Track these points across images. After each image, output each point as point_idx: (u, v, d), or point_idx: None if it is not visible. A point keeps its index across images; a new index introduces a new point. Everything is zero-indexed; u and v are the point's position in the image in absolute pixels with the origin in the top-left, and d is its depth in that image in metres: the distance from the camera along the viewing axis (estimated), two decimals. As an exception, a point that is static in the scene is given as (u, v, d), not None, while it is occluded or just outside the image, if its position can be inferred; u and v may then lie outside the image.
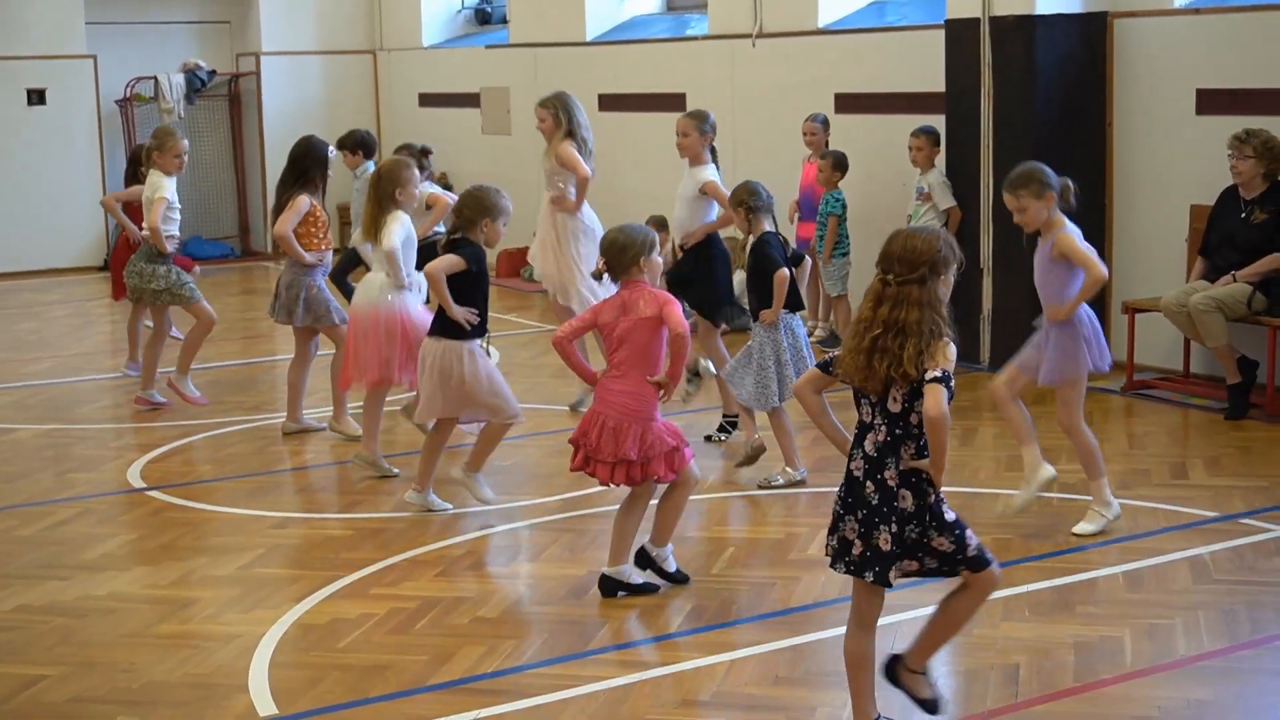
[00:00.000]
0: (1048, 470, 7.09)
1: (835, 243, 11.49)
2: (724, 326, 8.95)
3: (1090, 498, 7.14)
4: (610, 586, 6.41)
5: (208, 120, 18.05)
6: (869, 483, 4.72)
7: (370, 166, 11.02)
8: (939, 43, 10.97)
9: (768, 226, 8.01)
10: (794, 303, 7.94)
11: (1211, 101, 9.91)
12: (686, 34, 14.46)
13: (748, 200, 7.98)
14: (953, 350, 4.65)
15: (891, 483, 4.69)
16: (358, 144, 11.32)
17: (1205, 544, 6.87)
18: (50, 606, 6.47)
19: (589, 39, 15.23)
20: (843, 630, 5.90)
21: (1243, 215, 9.35)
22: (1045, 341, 7.06)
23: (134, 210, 10.65)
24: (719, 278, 8.88)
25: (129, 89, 17.39)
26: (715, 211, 8.97)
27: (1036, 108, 10.35)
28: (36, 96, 16.88)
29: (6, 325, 13.90)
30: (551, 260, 9.65)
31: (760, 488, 7.93)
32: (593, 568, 6.77)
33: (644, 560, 6.50)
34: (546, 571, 6.79)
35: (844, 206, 11.52)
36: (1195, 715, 5.14)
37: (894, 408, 4.70)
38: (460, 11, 18.10)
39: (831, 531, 4.85)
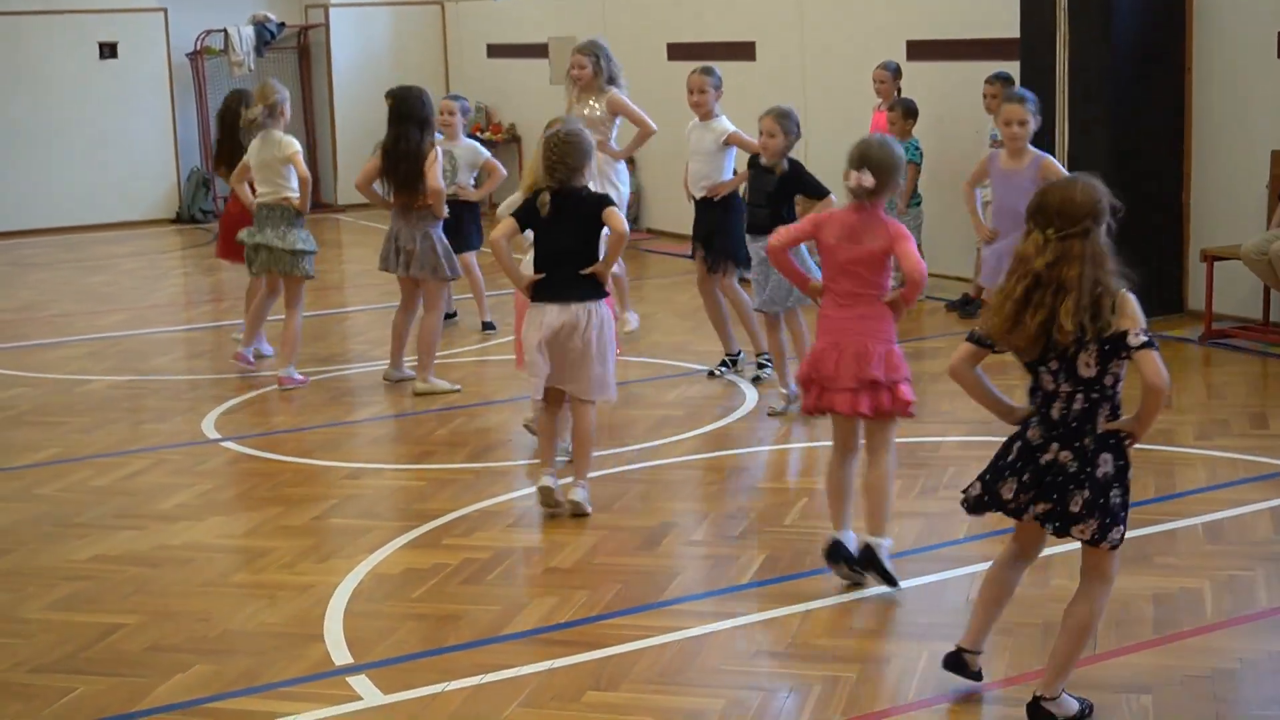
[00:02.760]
0: None
1: (910, 192, 11.39)
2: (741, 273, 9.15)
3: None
4: (870, 562, 5.82)
5: (277, 72, 18.03)
6: (1064, 451, 4.55)
7: None
8: (1013, -13, 10.80)
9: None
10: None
11: (1293, 45, 9.72)
12: (756, -19, 14.32)
13: (798, 127, 8.39)
14: (1136, 303, 4.45)
15: (1090, 447, 4.53)
16: None
17: (1287, 495, 6.77)
18: (126, 556, 6.52)
19: (658, -13, 15.13)
20: (918, 581, 5.89)
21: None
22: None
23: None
24: (740, 230, 8.92)
25: (199, 42, 17.45)
26: (733, 162, 9.19)
27: (1113, 53, 10.17)
28: (108, 50, 16.98)
29: (80, 278, 14.02)
30: None
31: (770, 415, 8.30)
32: (665, 518, 6.76)
33: (867, 557, 5.84)
34: (619, 522, 6.78)
35: (921, 155, 11.39)
36: (1277, 668, 5.07)
37: (1086, 372, 4.49)
38: (528, -39, 18.02)
39: (981, 495, 4.72)
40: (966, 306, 10.84)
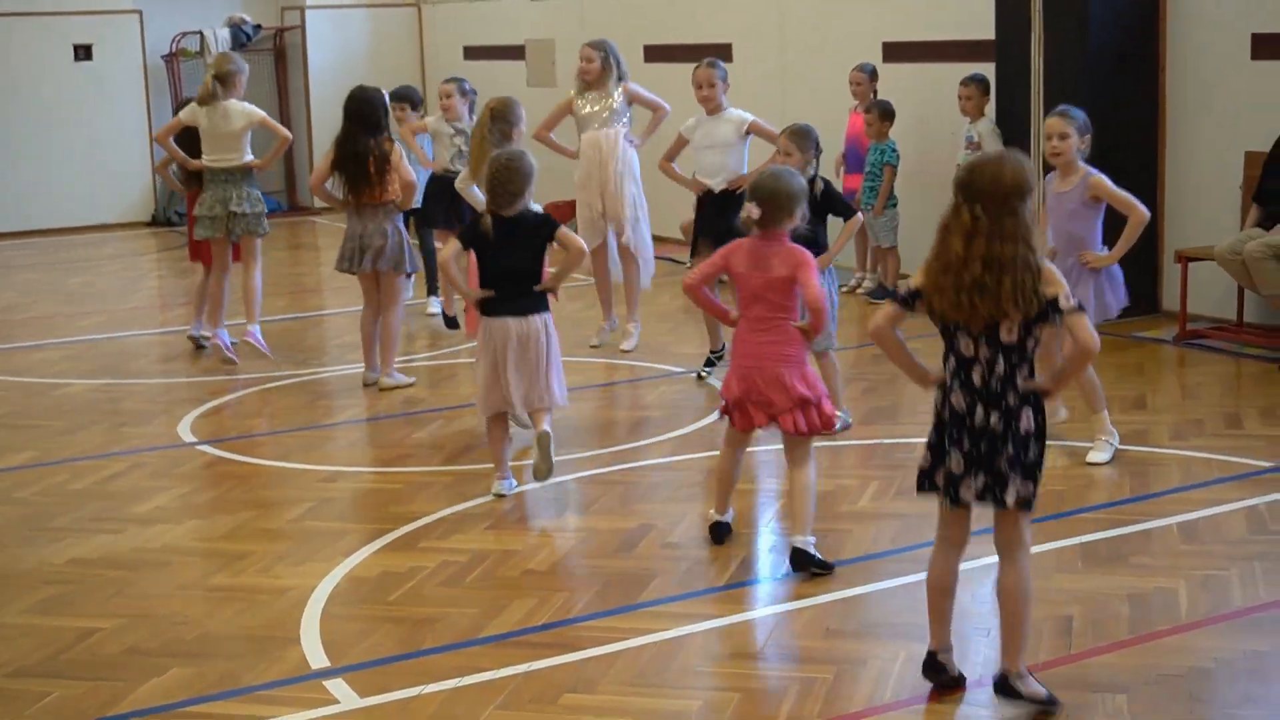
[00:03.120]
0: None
1: (886, 194, 11.42)
2: None
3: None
4: (803, 560, 6.04)
5: (253, 74, 17.67)
6: (991, 413, 4.67)
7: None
8: (989, -11, 10.84)
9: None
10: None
11: (1267, 46, 9.75)
12: (733, -17, 14.35)
13: (818, 144, 7.78)
14: (1055, 269, 4.60)
15: (1014, 405, 4.65)
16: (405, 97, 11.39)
17: (1260, 494, 6.80)
18: (104, 559, 6.51)
19: (634, -11, 15.14)
20: (895, 582, 5.91)
21: (1296, 162, 9.23)
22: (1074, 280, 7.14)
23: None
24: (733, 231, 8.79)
25: (175, 44, 17.42)
26: (748, 155, 9.20)
27: (1088, 54, 10.22)
28: (83, 52, 16.94)
29: (58, 280, 13.98)
30: (613, 197, 9.82)
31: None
32: (643, 520, 6.77)
33: (800, 560, 6.06)
34: (596, 524, 6.79)
35: (898, 157, 11.43)
36: (1252, 666, 5.10)
37: (1008, 338, 4.61)
38: (505, -37, 18.03)
39: (931, 469, 4.83)
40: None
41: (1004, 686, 4.80)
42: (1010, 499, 4.70)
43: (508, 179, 6.93)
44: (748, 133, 9.18)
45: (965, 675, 5.01)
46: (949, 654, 4.99)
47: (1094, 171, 7.35)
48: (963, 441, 4.74)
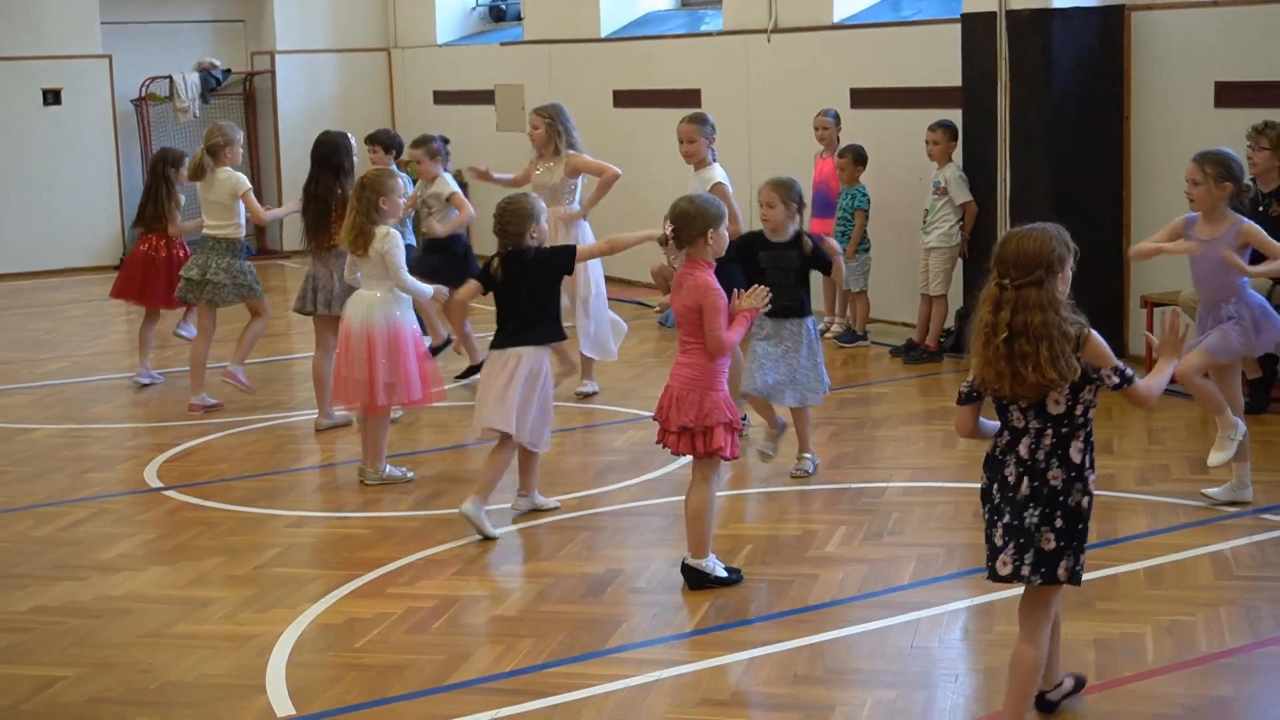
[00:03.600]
0: (1240, 425, 7.31)
1: (858, 238, 11.46)
2: None
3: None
4: (697, 579, 6.40)
5: (222, 119, 17.86)
6: (1034, 485, 4.70)
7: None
8: (955, 37, 10.92)
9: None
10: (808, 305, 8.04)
11: (1230, 94, 9.84)
12: (701, 30, 14.43)
13: (801, 197, 7.92)
14: (1101, 341, 4.67)
15: (1056, 483, 4.70)
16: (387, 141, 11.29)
17: (1227, 539, 6.82)
18: (66, 607, 6.46)
19: (603, 35, 15.20)
20: (862, 628, 5.91)
21: (1260, 209, 9.28)
22: (1235, 320, 7.30)
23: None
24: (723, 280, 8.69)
25: (144, 88, 17.39)
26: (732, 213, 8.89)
27: (1053, 102, 10.30)
28: (52, 96, 16.89)
29: (22, 324, 13.91)
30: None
31: (793, 477, 7.98)
32: (610, 565, 6.75)
33: (693, 578, 6.42)
34: (563, 570, 6.77)
35: (869, 201, 11.48)
36: (1218, 712, 5.10)
37: (1055, 410, 4.68)
38: (474, 9, 18.08)
39: (989, 532, 4.82)
40: (910, 352, 10.90)
41: (1043, 703, 5.06)
42: (1060, 574, 4.71)
43: (509, 220, 7.16)
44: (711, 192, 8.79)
45: (1082, 676, 5.22)
46: (1058, 688, 5.10)
47: (1244, 220, 7.33)
48: (1004, 513, 4.75)
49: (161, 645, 5.99)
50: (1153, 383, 4.82)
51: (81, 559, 7.11)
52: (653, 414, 6.62)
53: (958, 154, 10.91)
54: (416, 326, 8.24)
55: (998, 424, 4.82)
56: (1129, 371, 4.69)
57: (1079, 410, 4.68)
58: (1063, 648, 5.58)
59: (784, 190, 7.84)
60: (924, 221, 10.98)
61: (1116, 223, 10.45)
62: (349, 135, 9.38)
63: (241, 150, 10.29)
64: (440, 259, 10.04)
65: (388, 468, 8.18)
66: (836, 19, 12.63)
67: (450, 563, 6.90)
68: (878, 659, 5.62)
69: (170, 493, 8.19)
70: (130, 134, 17.42)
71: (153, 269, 10.91)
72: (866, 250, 11.52)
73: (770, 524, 7.45)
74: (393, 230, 7.96)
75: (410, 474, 8.22)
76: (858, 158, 11.46)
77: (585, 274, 9.53)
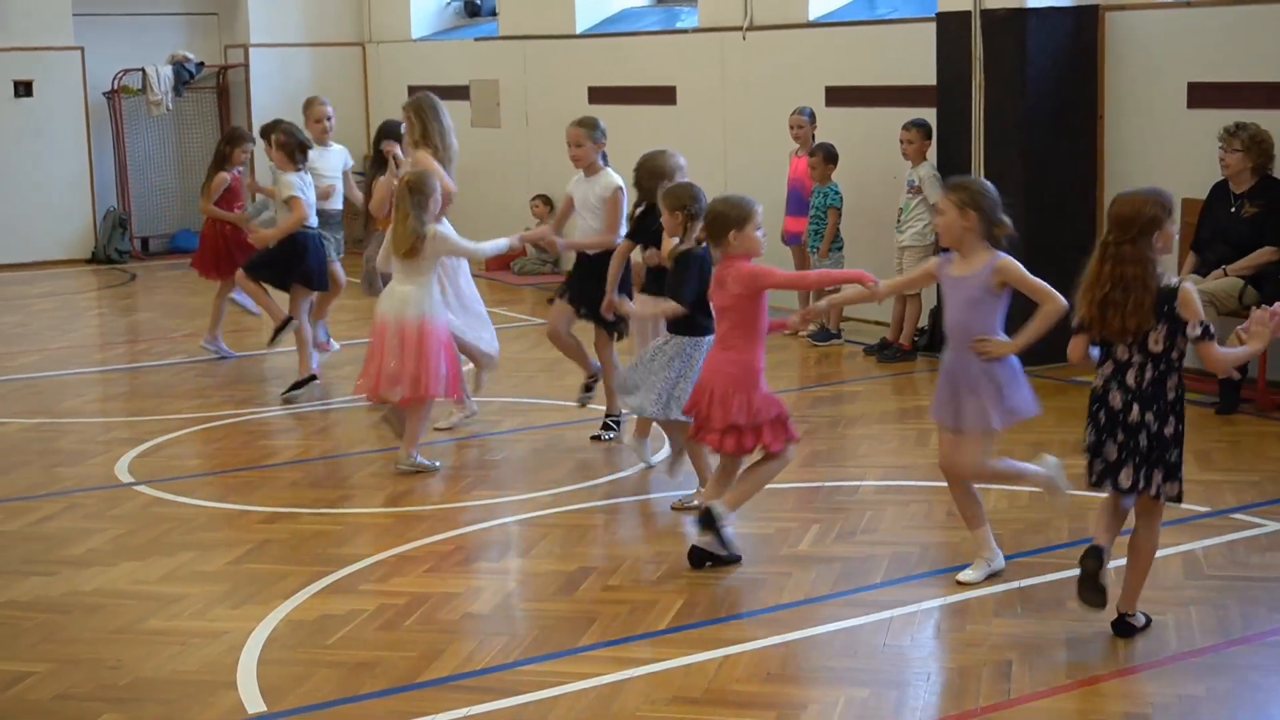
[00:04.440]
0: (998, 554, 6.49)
1: (831, 237, 11.46)
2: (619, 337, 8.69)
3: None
4: (699, 558, 6.58)
5: (196, 113, 17.99)
6: (1146, 413, 5.49)
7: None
8: (930, 36, 10.94)
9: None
10: (709, 327, 7.18)
11: (1203, 95, 9.88)
12: (676, 27, 14.43)
13: (690, 205, 7.21)
14: (1195, 293, 5.43)
15: (1154, 412, 5.49)
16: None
17: (1197, 539, 6.85)
18: (36, 602, 6.42)
19: (578, 31, 15.19)
20: (835, 625, 5.92)
21: (1233, 209, 9.34)
22: (967, 383, 6.15)
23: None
24: (621, 289, 8.30)
25: (116, 81, 17.32)
26: (624, 218, 8.49)
27: (1027, 101, 10.33)
28: (23, 88, 16.80)
29: (-7, 318, 13.84)
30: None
31: (675, 509, 7.50)
32: (583, 563, 6.74)
33: (708, 520, 6.52)
34: (536, 567, 6.76)
35: (842, 199, 11.49)
36: (1188, 711, 5.12)
37: (1155, 348, 5.47)
38: (449, 4, 18.04)
39: (1091, 467, 5.65)
40: (884, 351, 10.92)
41: (1122, 626, 5.69)
42: (1171, 494, 5.61)
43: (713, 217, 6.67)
44: (614, 198, 8.47)
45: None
46: (1135, 618, 5.75)
47: (1002, 255, 6.13)
48: (1117, 434, 5.53)
49: (132, 641, 5.96)
50: (1230, 352, 5.49)
51: (51, 554, 7.07)
52: (685, 409, 6.88)
53: (932, 153, 10.93)
54: (446, 322, 8.35)
55: (1099, 351, 5.59)
56: (1211, 330, 5.39)
57: (1175, 354, 5.45)
58: (1033, 649, 5.62)
59: (590, 129, 8.40)
60: (898, 220, 11.00)
61: (1090, 222, 10.48)
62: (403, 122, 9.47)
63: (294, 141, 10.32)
64: (279, 248, 10.18)
65: (418, 457, 8.27)
66: (812, 17, 12.64)
67: (423, 560, 6.88)
68: (850, 657, 5.63)
69: (141, 488, 8.15)
70: (102, 127, 17.34)
71: (222, 241, 11.41)
72: (840, 249, 11.52)
73: (743, 522, 7.43)
74: (439, 228, 8.13)
75: (438, 464, 8.32)
76: (828, 156, 11.47)
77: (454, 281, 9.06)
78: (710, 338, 7.09)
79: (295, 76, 18.05)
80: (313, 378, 10.10)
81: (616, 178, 8.58)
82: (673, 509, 7.50)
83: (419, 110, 9.23)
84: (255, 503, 7.85)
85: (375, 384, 8.17)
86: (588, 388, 8.97)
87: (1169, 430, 5.51)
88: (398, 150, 9.69)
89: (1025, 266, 6.12)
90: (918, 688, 5.36)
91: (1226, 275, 9.20)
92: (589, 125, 8.67)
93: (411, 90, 17.48)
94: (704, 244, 6.97)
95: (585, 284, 8.55)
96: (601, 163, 8.66)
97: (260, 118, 17.64)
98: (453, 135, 9.26)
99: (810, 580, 6.46)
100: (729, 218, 6.52)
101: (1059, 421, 8.78)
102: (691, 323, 7.26)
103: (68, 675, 5.61)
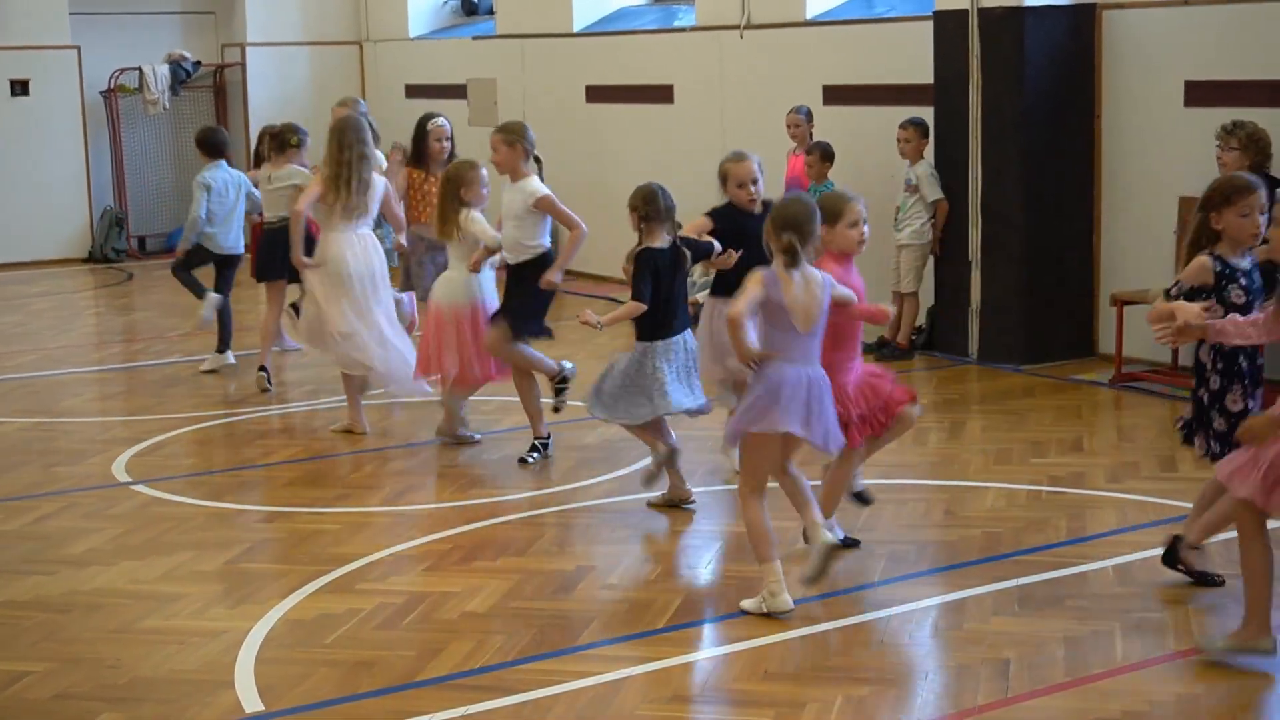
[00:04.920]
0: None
1: (824, 236, 11.46)
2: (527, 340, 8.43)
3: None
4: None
5: (193, 112, 17.97)
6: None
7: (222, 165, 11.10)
8: (927, 34, 10.95)
9: (663, 237, 7.22)
10: (667, 328, 7.23)
11: (1200, 93, 9.89)
12: (674, 25, 14.43)
13: (643, 208, 7.18)
14: (1200, 262, 5.98)
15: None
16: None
17: (1195, 537, 6.84)
18: (34, 602, 6.42)
19: (576, 30, 15.18)
20: (832, 625, 5.92)
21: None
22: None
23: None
24: (538, 299, 8.25)
25: (113, 80, 17.31)
26: (548, 226, 8.31)
27: (1025, 100, 10.33)
28: (20, 87, 16.80)
29: (-10, 317, 13.83)
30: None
31: (651, 506, 7.56)
32: (581, 562, 6.75)
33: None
34: (535, 566, 6.76)
35: (838, 198, 11.48)
36: (1186, 710, 5.13)
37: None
38: (446, 2, 18.04)
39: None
40: (882, 350, 10.91)
41: (1172, 555, 6.20)
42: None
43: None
44: (536, 207, 8.19)
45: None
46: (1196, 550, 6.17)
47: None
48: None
49: (130, 640, 5.96)
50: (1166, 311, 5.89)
51: (50, 553, 7.07)
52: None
53: (929, 151, 10.93)
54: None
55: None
56: (1174, 289, 5.97)
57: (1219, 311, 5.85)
58: (1032, 647, 5.62)
59: (508, 134, 8.32)
60: (895, 219, 11.00)
61: (1087, 221, 10.49)
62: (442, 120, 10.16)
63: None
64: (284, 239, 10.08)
65: (462, 429, 8.81)
66: (809, 15, 12.64)
67: (421, 558, 6.88)
68: (850, 655, 5.63)
69: (139, 487, 8.15)
70: (99, 126, 17.34)
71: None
72: (837, 247, 11.51)
73: (740, 521, 7.43)
74: (473, 212, 8.36)
75: (478, 436, 8.84)
76: (825, 154, 11.47)
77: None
78: (669, 340, 7.21)
79: (292, 75, 18.05)
80: (262, 369, 10.34)
81: (538, 185, 8.27)
82: (649, 506, 7.53)
83: (338, 131, 8.93)
84: (253, 502, 7.85)
85: (425, 365, 8.60)
86: (558, 391, 8.74)
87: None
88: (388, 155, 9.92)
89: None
90: (916, 686, 5.36)
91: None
92: (507, 130, 8.38)
93: (409, 90, 17.56)
94: (671, 243, 7.21)
95: (509, 299, 8.33)
96: (529, 169, 8.33)
97: (258, 117, 17.69)
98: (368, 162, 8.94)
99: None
100: (799, 221, 6.16)
101: (1057, 420, 8.81)
102: (648, 323, 7.18)
103: (66, 674, 5.61)
